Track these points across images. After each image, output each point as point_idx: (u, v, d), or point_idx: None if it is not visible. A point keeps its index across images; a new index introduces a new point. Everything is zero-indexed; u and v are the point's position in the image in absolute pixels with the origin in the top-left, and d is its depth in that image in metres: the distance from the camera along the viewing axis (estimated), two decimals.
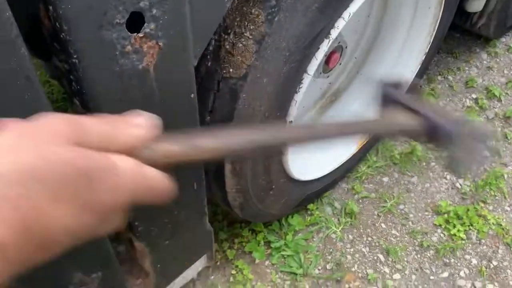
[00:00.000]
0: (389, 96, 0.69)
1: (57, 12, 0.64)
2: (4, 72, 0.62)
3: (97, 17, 0.67)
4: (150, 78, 0.81)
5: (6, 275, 0.36)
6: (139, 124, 0.45)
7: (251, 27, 1.05)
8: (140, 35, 0.74)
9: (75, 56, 0.69)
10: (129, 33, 0.72)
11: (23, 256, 0.37)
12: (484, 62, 2.66)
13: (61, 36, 0.66)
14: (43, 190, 0.37)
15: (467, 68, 2.62)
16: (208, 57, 1.10)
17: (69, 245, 0.41)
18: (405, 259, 1.87)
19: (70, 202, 0.38)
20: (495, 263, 1.86)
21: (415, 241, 1.92)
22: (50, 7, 0.63)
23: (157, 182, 0.46)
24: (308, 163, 1.74)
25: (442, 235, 1.94)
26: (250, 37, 1.06)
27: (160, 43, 0.78)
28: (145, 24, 0.74)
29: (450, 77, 2.57)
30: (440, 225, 1.96)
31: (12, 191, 0.35)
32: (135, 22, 0.73)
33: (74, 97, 0.78)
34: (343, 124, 0.61)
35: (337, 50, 1.64)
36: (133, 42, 0.74)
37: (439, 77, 2.57)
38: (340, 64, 1.77)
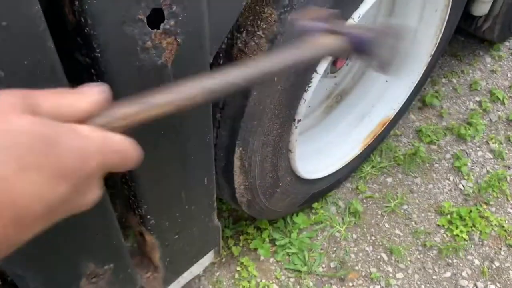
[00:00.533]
0: (306, 27, 0.69)
1: (82, 8, 0.66)
2: (30, 64, 0.64)
3: (120, 13, 0.69)
4: (168, 73, 0.83)
5: None
6: (90, 92, 0.46)
7: (264, 26, 1.07)
8: (160, 31, 0.76)
9: (98, 50, 0.71)
10: (149, 29, 0.74)
11: None
12: (488, 65, 2.68)
13: (85, 30, 0.68)
14: (6, 160, 0.35)
15: (471, 71, 2.64)
16: (221, 55, 1.12)
17: (50, 220, 0.40)
18: (408, 258, 1.89)
19: (37, 169, 0.37)
20: (497, 264, 1.88)
21: (418, 241, 1.94)
22: (76, 2, 0.66)
23: (123, 144, 0.45)
24: (314, 162, 1.76)
25: (445, 235, 1.96)
26: (263, 35, 1.08)
27: (179, 40, 0.80)
28: (165, 21, 0.76)
29: (454, 80, 2.59)
30: (443, 226, 1.98)
31: None
32: (156, 18, 0.75)
33: None
34: (281, 55, 0.61)
35: None
36: (153, 38, 0.76)
37: (443, 80, 2.59)
38: (347, 65, 1.79)
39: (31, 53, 0.63)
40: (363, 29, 0.65)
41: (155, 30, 0.75)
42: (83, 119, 0.44)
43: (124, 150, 0.45)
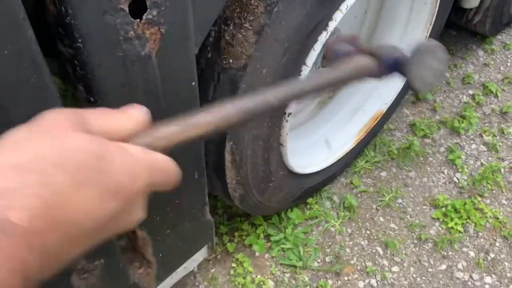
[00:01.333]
0: (340, 50, 0.71)
1: None
2: (11, 54, 0.63)
3: (101, 2, 0.69)
4: (152, 64, 0.82)
5: (38, 271, 0.35)
6: (135, 112, 0.47)
7: (251, 18, 1.07)
8: (143, 21, 0.76)
9: (79, 41, 0.70)
10: (132, 19, 0.74)
11: (49, 245, 0.36)
12: (481, 59, 2.69)
13: (66, 20, 0.68)
14: (63, 176, 0.37)
15: (463, 65, 2.64)
16: (208, 48, 1.12)
17: (99, 237, 0.41)
18: (404, 252, 1.89)
19: (91, 186, 0.38)
20: (492, 255, 1.88)
21: (413, 234, 1.94)
22: None
23: (167, 164, 0.46)
24: (307, 157, 1.76)
25: (440, 228, 1.96)
26: (250, 28, 1.08)
27: (162, 30, 0.80)
28: (148, 11, 0.76)
29: (447, 74, 2.59)
30: (438, 219, 1.98)
31: (33, 179, 0.36)
32: (138, 8, 0.75)
33: (78, 83, 0.80)
34: (320, 76, 0.63)
35: None
36: (135, 28, 0.76)
37: None
38: None
39: (11, 42, 0.63)
40: (392, 49, 0.66)
41: (138, 20, 0.75)
42: (128, 139, 0.45)
43: (168, 170, 0.46)
